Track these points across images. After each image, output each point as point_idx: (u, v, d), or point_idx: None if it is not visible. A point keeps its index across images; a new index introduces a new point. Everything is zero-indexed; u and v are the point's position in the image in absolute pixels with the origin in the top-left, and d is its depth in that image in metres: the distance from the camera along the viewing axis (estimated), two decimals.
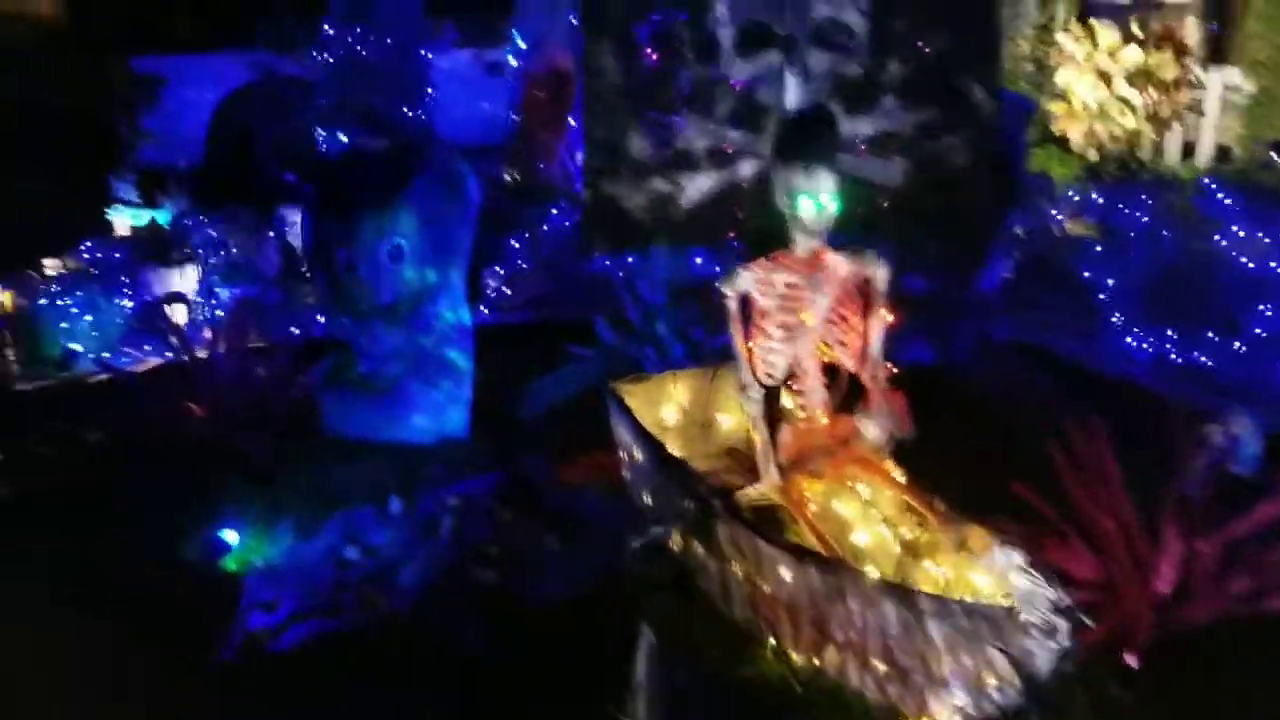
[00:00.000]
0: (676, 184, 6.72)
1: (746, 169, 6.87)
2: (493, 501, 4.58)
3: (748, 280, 3.57)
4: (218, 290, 6.67)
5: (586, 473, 4.74)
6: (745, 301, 3.59)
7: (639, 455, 4.17)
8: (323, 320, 5.93)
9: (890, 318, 3.54)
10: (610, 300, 5.98)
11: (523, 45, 7.97)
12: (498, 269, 6.42)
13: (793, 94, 6.72)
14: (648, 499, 4.09)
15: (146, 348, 6.27)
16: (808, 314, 3.52)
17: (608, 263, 6.44)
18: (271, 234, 6.33)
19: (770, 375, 3.62)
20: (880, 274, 3.50)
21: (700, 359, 5.26)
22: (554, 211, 6.90)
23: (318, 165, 7.54)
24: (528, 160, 7.07)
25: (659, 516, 3.87)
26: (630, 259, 5.86)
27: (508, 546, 4.33)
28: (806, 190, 3.41)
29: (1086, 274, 6.35)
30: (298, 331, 6.15)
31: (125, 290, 6.96)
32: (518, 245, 6.55)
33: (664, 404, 4.53)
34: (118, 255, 7.68)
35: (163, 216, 7.39)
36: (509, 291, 6.34)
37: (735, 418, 4.28)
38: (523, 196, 6.98)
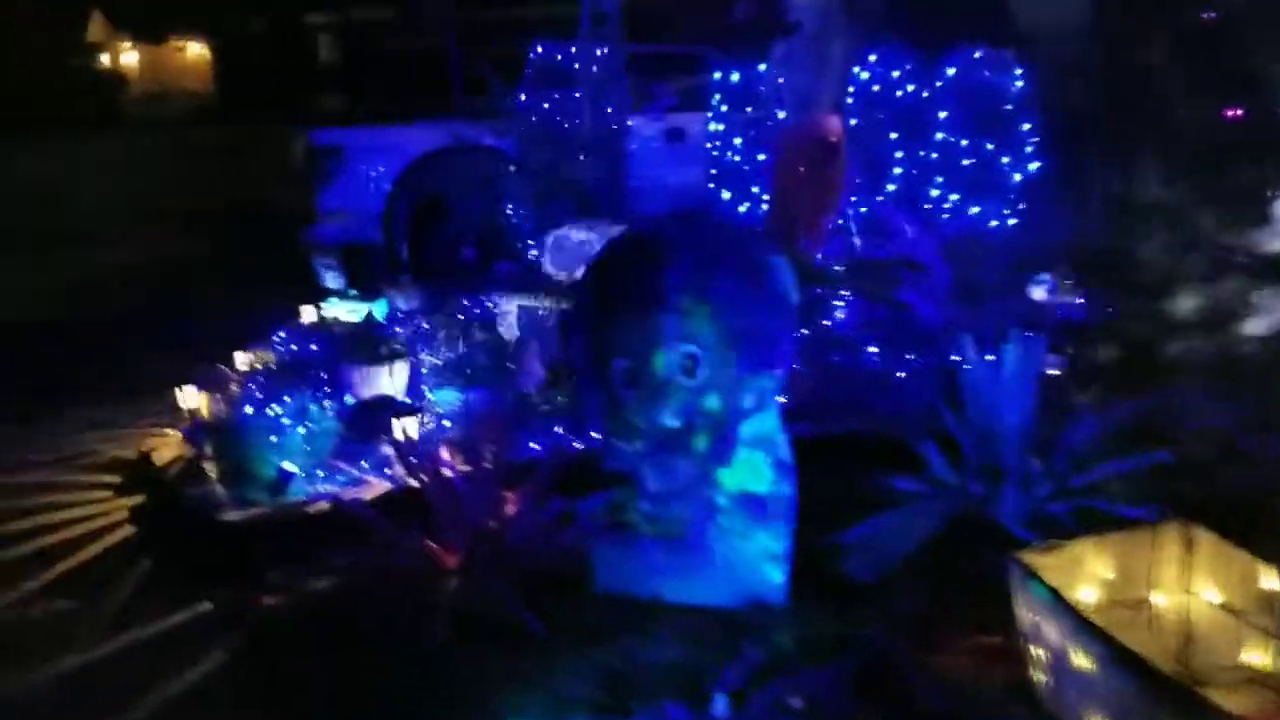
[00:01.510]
0: None
1: None
2: (850, 701, 3.46)
3: None
4: (432, 395, 5.75)
5: (973, 664, 3.59)
6: None
7: (1080, 655, 3.01)
8: (578, 442, 4.98)
9: None
10: (925, 411, 4.87)
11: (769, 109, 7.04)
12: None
13: None
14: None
15: (365, 464, 5.34)
16: None
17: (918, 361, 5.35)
18: (525, 336, 5.38)
19: None
20: None
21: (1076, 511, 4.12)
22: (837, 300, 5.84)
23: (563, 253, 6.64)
24: (787, 241, 6.01)
25: None
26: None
27: None
28: None
29: None
30: (539, 449, 5.17)
31: (328, 393, 6.14)
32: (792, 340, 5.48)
33: (1079, 579, 3.40)
34: (314, 348, 6.91)
35: (380, 309, 6.56)
36: (784, 399, 5.25)
37: (1177, 597, 3.32)
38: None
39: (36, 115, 21.27)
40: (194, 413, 5.79)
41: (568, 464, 4.51)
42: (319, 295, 7.35)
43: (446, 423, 5.51)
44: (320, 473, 5.27)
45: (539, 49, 8.78)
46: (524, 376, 5.18)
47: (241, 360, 6.80)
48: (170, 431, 6.17)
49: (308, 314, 8.07)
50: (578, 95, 8.38)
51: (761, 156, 8.30)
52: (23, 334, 9.56)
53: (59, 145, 18.33)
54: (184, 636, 4.33)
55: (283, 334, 7.21)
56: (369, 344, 6.42)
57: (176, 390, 5.77)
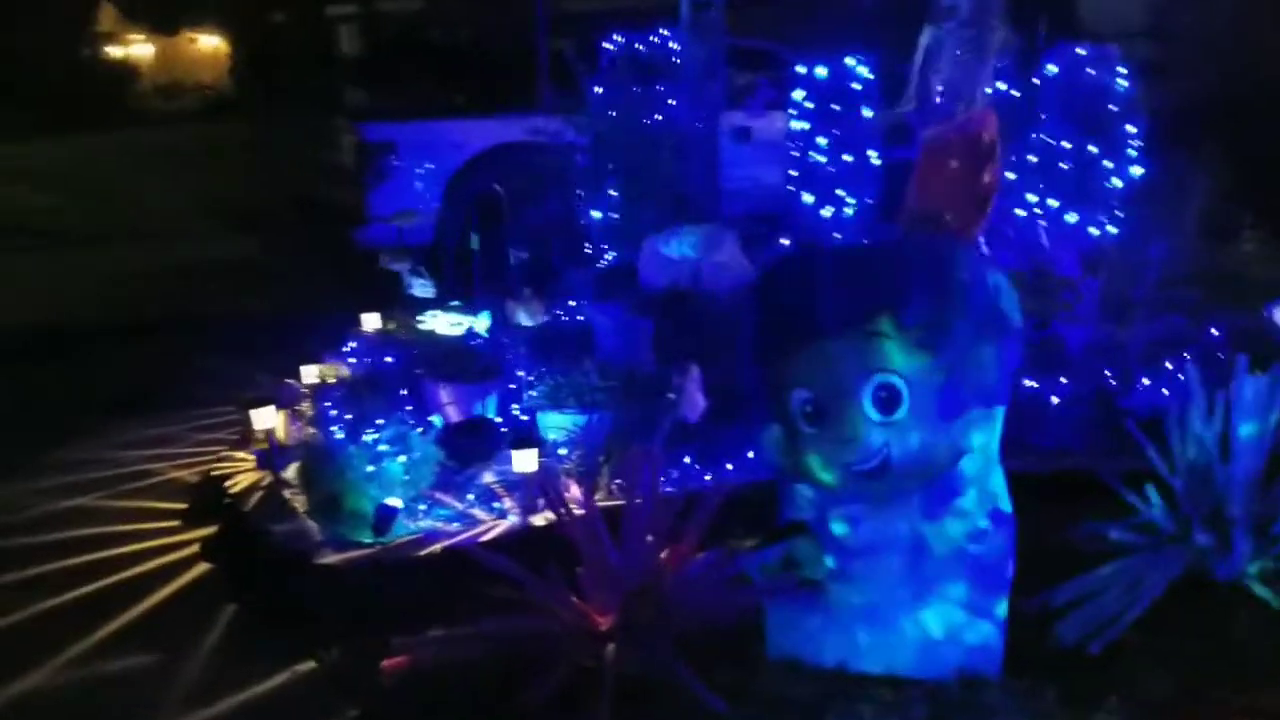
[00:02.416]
0: None
1: None
2: None
3: None
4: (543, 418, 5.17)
5: None
6: None
7: None
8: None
9: None
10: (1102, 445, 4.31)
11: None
12: None
13: None
14: None
15: (470, 497, 4.77)
16: None
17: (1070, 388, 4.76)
18: (683, 361, 4.77)
19: None
20: None
21: None
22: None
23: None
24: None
25: None
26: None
27: None
28: None
29: None
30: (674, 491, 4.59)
31: (413, 413, 5.57)
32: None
33: None
34: (390, 360, 6.32)
35: (483, 320, 5.97)
36: None
37: None
38: None
39: (47, 110, 20.68)
40: (269, 434, 5.18)
41: (733, 505, 3.91)
42: (406, 304, 6.74)
43: (562, 450, 4.91)
44: (421, 506, 4.69)
45: (617, 39, 8.18)
46: (685, 404, 4.59)
47: (310, 374, 6.22)
48: (241, 455, 5.58)
49: (370, 322, 7.49)
50: (661, 89, 7.78)
51: (848, 157, 7.72)
52: (67, 339, 8.97)
53: (84, 140, 17.77)
54: (286, 706, 3.74)
55: (354, 344, 6.64)
56: (461, 359, 5.85)
57: (251, 412, 5.16)
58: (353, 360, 6.40)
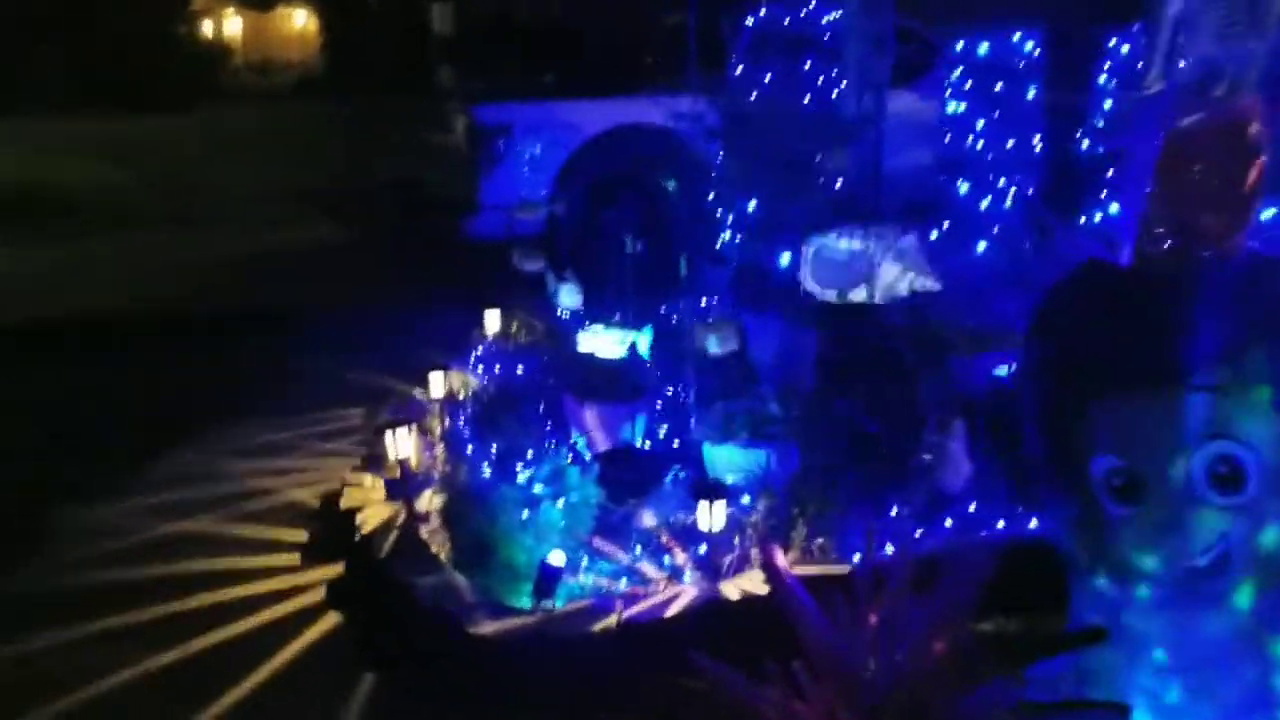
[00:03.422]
0: None
1: None
2: None
3: None
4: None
5: None
6: None
7: None
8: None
9: None
10: None
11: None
12: None
13: None
14: None
15: (637, 549, 4.07)
16: None
17: None
18: (946, 414, 4.00)
19: None
20: None
21: None
22: None
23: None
24: (1180, 259, 4.55)
25: None
26: None
27: None
28: None
29: None
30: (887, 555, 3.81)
31: (553, 434, 4.91)
32: None
33: None
34: (522, 370, 5.66)
35: (645, 338, 5.26)
36: None
37: None
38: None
39: (138, 88, 20.43)
40: (403, 462, 4.54)
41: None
42: (551, 313, 6.04)
43: (744, 499, 4.17)
44: (583, 559, 4.00)
45: (762, 12, 7.35)
46: (945, 470, 3.82)
47: (437, 385, 5.57)
48: (367, 479, 4.95)
49: (492, 322, 6.83)
50: (814, 66, 6.94)
51: (1011, 143, 6.84)
52: (153, 331, 8.44)
53: (181, 120, 17.44)
54: None
55: (480, 351, 5.98)
56: (606, 375, 5.15)
57: (385, 436, 4.51)
58: (481, 369, 5.75)
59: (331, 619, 4.10)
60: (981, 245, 6.39)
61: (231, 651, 3.93)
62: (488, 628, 3.58)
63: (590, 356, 5.25)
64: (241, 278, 10.06)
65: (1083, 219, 6.23)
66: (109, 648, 3.97)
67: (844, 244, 5.72)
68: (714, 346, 4.65)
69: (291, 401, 6.75)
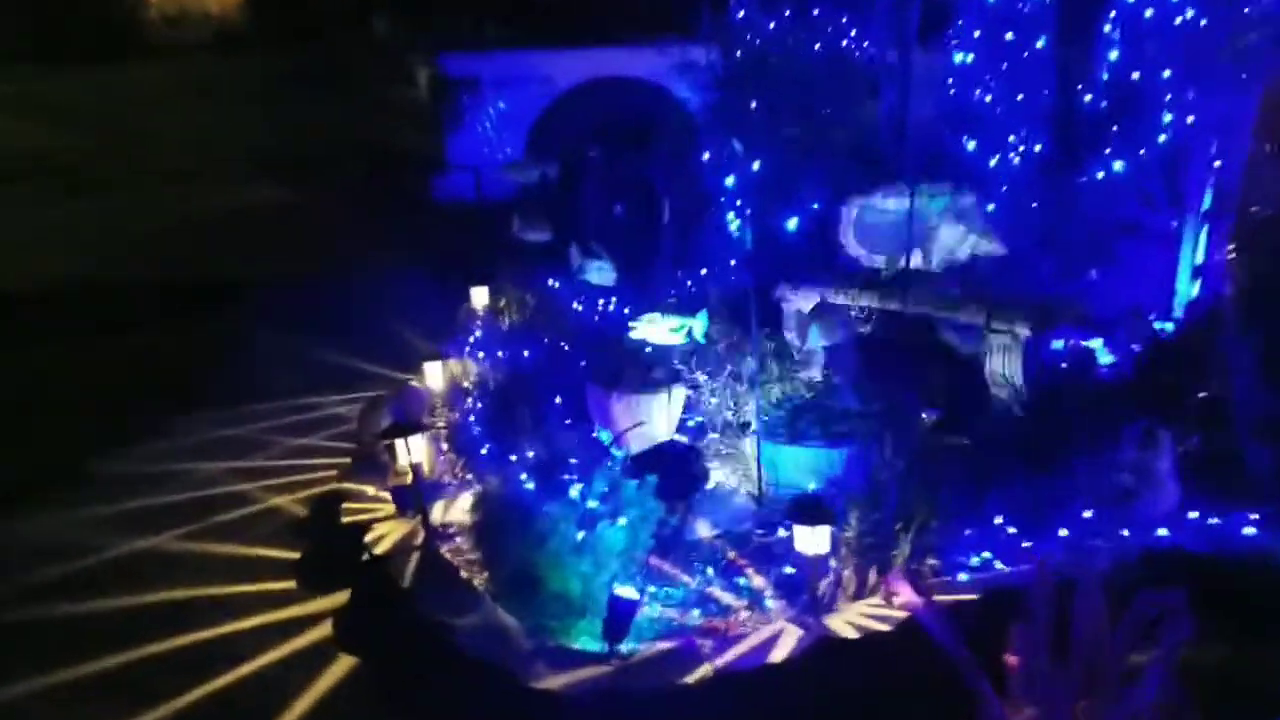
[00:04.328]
0: None
1: None
2: None
3: None
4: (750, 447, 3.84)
5: None
6: None
7: None
8: None
9: None
10: None
11: None
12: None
13: None
14: None
15: (709, 571, 3.48)
16: None
17: None
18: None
19: None
20: None
21: None
22: None
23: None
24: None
25: None
26: None
27: None
28: None
29: None
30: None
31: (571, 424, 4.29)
32: None
33: None
34: (529, 356, 4.99)
35: (700, 323, 4.61)
36: None
37: None
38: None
39: (49, 37, 18.99)
40: (415, 468, 3.87)
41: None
42: (579, 289, 5.36)
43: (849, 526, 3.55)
44: (647, 589, 3.39)
45: None
46: (1151, 491, 3.22)
47: (434, 374, 4.90)
48: (370, 488, 4.27)
49: (480, 297, 6.15)
50: (817, 13, 6.29)
51: (1020, 96, 6.30)
52: (93, 304, 7.58)
53: (91, 70, 16.13)
54: None
55: (479, 332, 5.30)
56: (630, 360, 4.52)
57: (396, 444, 3.84)
58: (482, 356, 5.08)
59: (344, 664, 3.42)
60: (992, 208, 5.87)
61: (231, 707, 3.24)
62: (552, 681, 2.96)
63: (615, 340, 4.61)
64: (189, 245, 9.13)
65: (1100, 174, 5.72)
66: (56, 712, 3.24)
67: (892, 204, 5.17)
68: (816, 340, 4.03)
69: (254, 387, 6.00)
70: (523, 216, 6.09)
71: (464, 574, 3.42)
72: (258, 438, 5.36)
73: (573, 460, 3.51)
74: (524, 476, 3.48)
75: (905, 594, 2.90)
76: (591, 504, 3.34)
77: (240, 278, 7.92)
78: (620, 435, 4.36)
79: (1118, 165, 5.61)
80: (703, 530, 3.71)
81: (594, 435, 4.45)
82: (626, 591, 3.11)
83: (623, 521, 3.31)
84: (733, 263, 5.38)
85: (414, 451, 3.80)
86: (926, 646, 2.41)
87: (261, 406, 5.76)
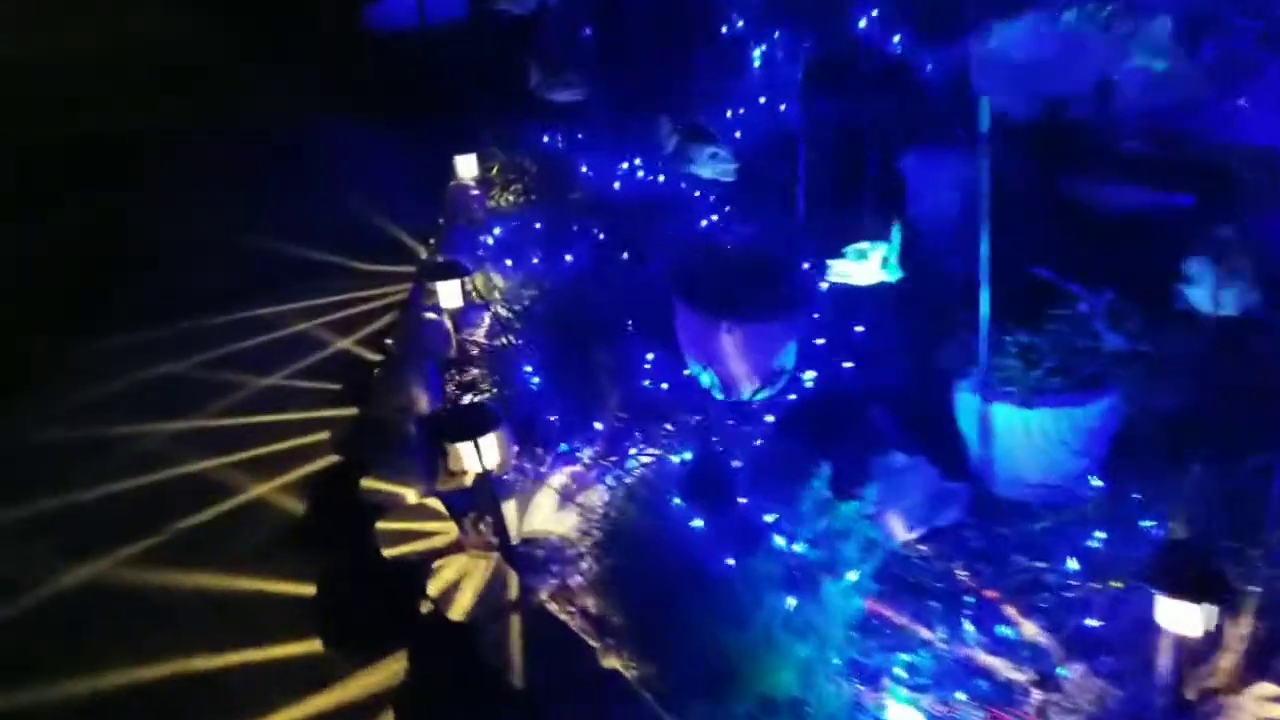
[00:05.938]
0: None
1: None
2: None
3: None
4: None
5: None
6: None
7: None
8: None
9: None
10: None
11: None
12: None
13: None
14: None
15: (941, 638, 2.39)
16: None
17: None
18: None
19: None
20: None
21: None
22: None
23: None
24: None
25: None
26: None
27: None
28: None
29: None
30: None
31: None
32: None
33: None
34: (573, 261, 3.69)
35: (892, 253, 3.27)
36: None
37: None
38: None
39: None
40: (487, 476, 2.62)
41: None
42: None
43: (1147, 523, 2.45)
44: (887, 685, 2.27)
45: None
46: None
47: (449, 294, 3.56)
48: (410, 493, 3.01)
49: (465, 167, 4.74)
50: None
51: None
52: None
53: None
54: None
55: (496, 231, 3.94)
56: (739, 273, 3.27)
57: (458, 446, 2.56)
58: (509, 263, 3.74)
59: None
60: None
61: None
62: None
63: (710, 244, 3.34)
64: (82, 88, 7.11)
65: None
66: None
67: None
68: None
69: (175, 298, 4.57)
70: (545, 67, 4.57)
71: (611, 662, 2.23)
72: (206, 378, 4.00)
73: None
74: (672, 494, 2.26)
75: None
76: (798, 547, 2.17)
77: (142, 131, 6.25)
78: (730, 379, 3.18)
79: None
80: (898, 528, 2.59)
81: (686, 374, 3.26)
82: (902, 713, 1.99)
83: (853, 576, 2.16)
84: None
85: (486, 455, 2.54)
86: None
87: (194, 324, 4.36)
